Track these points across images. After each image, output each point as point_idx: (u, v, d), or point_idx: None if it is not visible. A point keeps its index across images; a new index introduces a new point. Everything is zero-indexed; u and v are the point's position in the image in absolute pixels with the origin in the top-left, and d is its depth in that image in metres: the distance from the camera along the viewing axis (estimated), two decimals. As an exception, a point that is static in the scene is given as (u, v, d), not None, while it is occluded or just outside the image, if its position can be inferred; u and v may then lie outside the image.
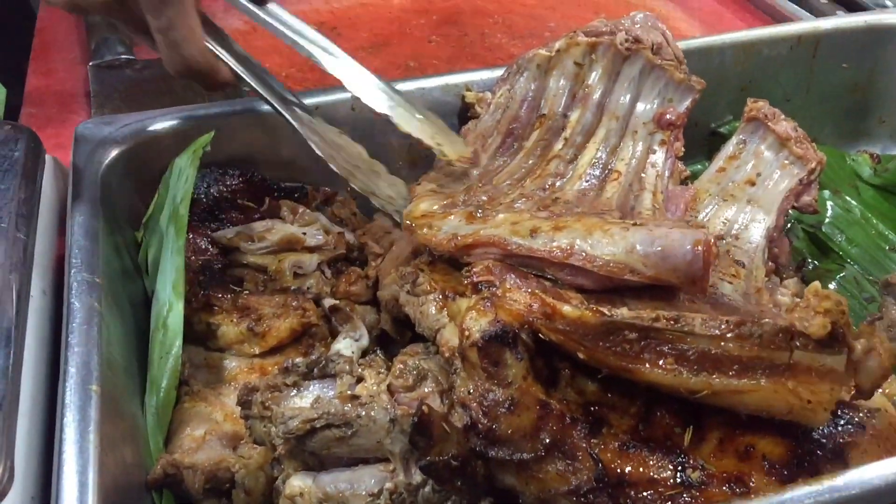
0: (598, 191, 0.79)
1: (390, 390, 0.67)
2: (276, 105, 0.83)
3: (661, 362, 0.62)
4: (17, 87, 1.23)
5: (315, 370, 0.69)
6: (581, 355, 0.63)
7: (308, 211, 0.92)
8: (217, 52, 0.81)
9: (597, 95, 0.86)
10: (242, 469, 0.71)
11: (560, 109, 0.85)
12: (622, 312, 0.63)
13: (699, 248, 0.64)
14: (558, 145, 0.83)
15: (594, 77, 0.86)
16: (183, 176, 0.85)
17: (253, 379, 0.77)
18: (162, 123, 0.91)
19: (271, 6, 0.81)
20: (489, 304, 0.65)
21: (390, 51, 1.37)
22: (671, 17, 1.46)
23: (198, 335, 0.80)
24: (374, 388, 0.68)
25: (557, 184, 0.82)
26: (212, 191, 0.91)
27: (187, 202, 0.82)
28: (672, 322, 0.62)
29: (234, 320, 0.80)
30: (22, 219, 0.69)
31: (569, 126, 0.84)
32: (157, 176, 0.91)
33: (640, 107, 0.87)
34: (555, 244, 0.68)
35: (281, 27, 0.80)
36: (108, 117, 0.91)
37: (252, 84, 0.82)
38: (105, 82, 1.19)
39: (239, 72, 0.82)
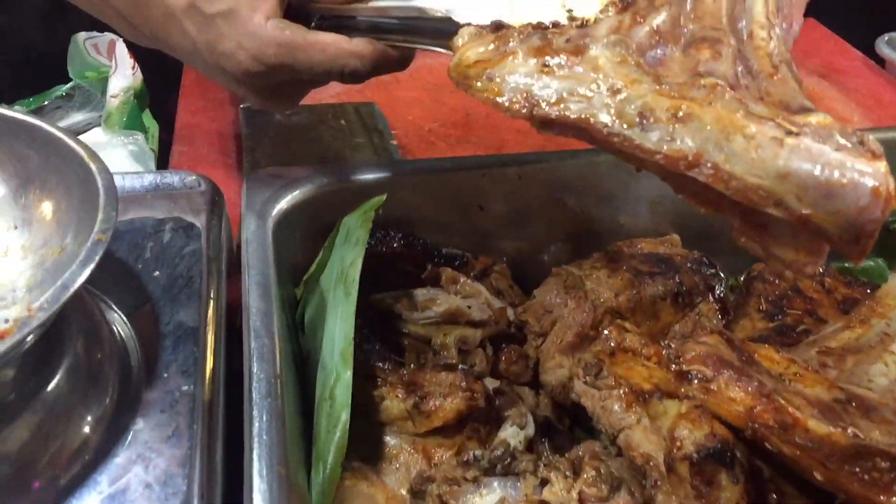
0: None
1: (581, 498, 0.62)
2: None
3: (914, 497, 0.56)
4: (168, 123, 1.24)
5: (498, 466, 0.65)
6: (818, 476, 0.57)
7: (469, 281, 0.88)
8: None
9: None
10: (408, 561, 0.67)
11: None
12: (876, 436, 0.57)
13: (880, 190, 0.45)
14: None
15: None
16: (353, 237, 0.82)
17: (416, 461, 0.73)
18: (329, 180, 0.90)
19: None
20: (704, 413, 0.60)
21: None
22: (825, 97, 1.40)
23: (357, 407, 0.77)
24: (563, 493, 0.63)
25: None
26: (373, 252, 0.89)
27: (358, 266, 0.78)
28: (929, 457, 0.56)
29: (400, 396, 0.76)
30: (212, 277, 0.67)
31: None
32: (318, 232, 0.89)
33: None
34: (674, 144, 0.48)
35: None
36: (276, 169, 0.90)
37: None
38: (255, 125, 1.19)
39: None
